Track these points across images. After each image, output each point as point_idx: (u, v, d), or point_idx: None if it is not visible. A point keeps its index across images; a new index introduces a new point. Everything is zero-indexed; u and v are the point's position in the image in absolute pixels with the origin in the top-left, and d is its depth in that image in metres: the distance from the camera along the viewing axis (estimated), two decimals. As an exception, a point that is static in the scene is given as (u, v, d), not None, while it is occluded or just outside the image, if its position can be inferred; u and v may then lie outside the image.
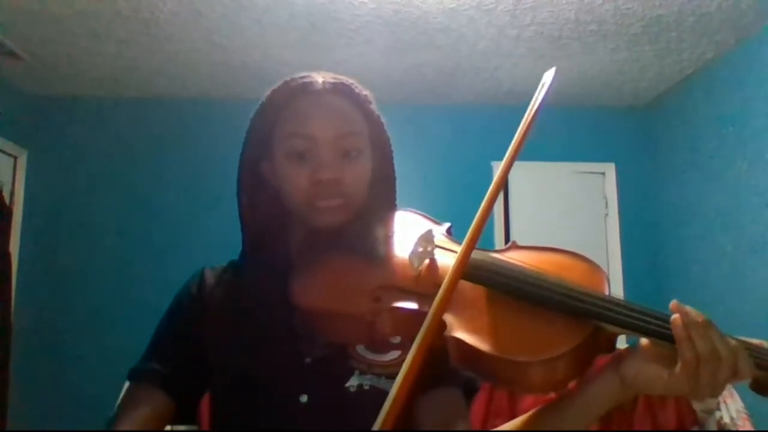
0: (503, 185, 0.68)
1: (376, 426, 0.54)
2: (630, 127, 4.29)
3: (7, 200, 3.71)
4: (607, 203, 4.22)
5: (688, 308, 0.62)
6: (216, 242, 3.49)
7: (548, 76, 0.74)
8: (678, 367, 0.61)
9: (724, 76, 3.42)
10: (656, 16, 2.98)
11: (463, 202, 3.69)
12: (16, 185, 3.89)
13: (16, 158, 3.90)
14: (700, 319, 0.61)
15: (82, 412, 3.40)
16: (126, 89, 3.98)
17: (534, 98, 0.72)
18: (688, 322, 0.61)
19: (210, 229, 3.82)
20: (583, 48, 3.36)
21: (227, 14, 2.99)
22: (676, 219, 3.90)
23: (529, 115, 0.70)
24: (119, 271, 3.90)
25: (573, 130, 4.12)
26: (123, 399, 0.83)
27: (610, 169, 4.25)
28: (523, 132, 0.69)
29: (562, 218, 4.09)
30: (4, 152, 3.79)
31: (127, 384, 0.85)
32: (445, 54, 3.46)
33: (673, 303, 0.62)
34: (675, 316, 0.61)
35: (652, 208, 4.14)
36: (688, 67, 3.62)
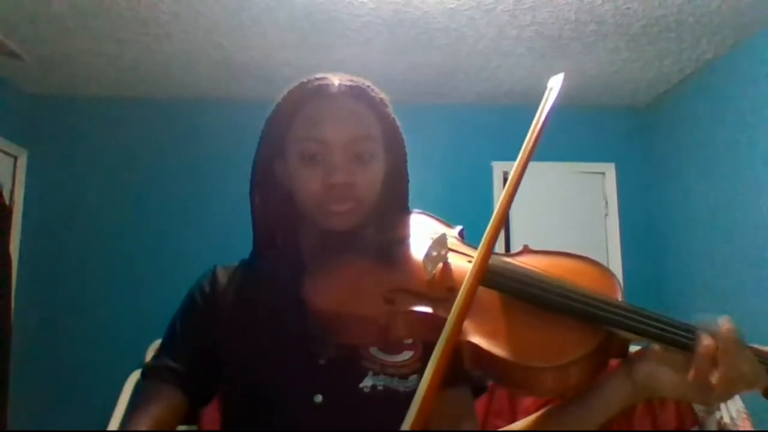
0: (516, 189, 0.68)
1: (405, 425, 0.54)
2: (630, 127, 4.29)
3: (7, 200, 3.71)
4: (607, 203, 4.22)
5: (733, 327, 0.61)
6: (217, 242, 3.50)
7: (555, 81, 0.73)
8: (691, 376, 0.61)
9: (724, 76, 3.42)
10: (656, 16, 2.98)
11: (463, 202, 3.70)
12: (16, 185, 3.89)
13: (16, 158, 3.90)
14: (733, 347, 0.60)
15: (82, 412, 3.41)
16: (126, 89, 3.98)
17: (542, 104, 0.72)
18: (723, 348, 0.60)
19: (210, 229, 3.82)
20: (583, 48, 3.36)
21: (227, 14, 2.99)
22: (676, 219, 3.90)
23: (537, 122, 0.70)
24: (119, 271, 3.90)
25: (573, 130, 4.11)
26: (138, 395, 0.82)
27: (610, 169, 4.25)
28: (533, 139, 0.69)
29: (562, 218, 4.09)
30: (4, 152, 3.79)
31: (130, 380, 0.85)
32: (445, 54, 3.46)
33: (724, 320, 0.61)
34: (707, 344, 0.60)
35: (652, 208, 4.14)
36: (688, 67, 3.62)
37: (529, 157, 0.69)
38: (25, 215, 3.91)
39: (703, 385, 0.60)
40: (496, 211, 0.67)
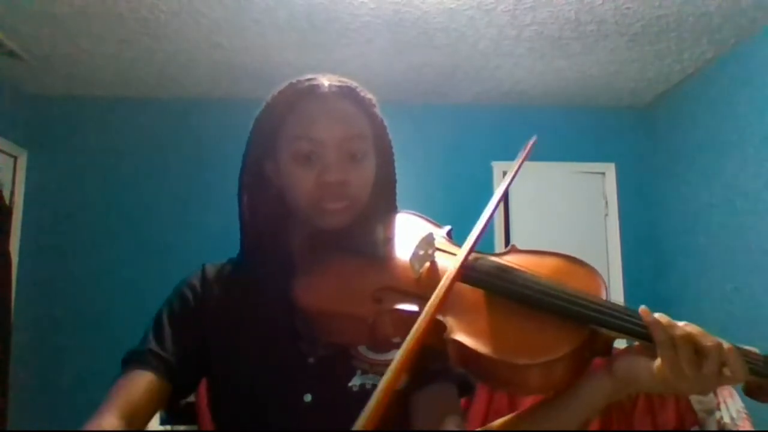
0: (504, 198, 0.70)
1: (361, 419, 0.54)
2: (630, 127, 4.29)
3: (7, 200, 3.71)
4: (607, 203, 4.22)
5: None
6: (216, 242, 3.49)
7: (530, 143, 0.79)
8: (658, 359, 0.62)
9: (724, 76, 3.42)
10: (656, 16, 2.98)
11: (463, 202, 3.71)
12: (16, 185, 3.89)
13: (16, 158, 3.90)
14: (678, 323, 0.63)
15: (83, 411, 3.40)
16: (126, 89, 3.98)
17: (518, 158, 0.76)
18: (655, 318, 0.63)
19: (210, 229, 3.82)
20: (583, 48, 3.36)
21: (227, 14, 2.99)
22: (676, 219, 3.90)
23: (512, 173, 0.75)
24: (119, 271, 3.90)
25: (573, 130, 4.12)
26: (119, 379, 0.80)
27: (610, 169, 4.25)
28: (510, 179, 0.74)
29: (562, 218, 4.09)
30: (4, 152, 3.79)
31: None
32: (445, 54, 3.46)
33: (642, 308, 0.64)
34: (642, 307, 0.63)
35: (652, 208, 4.14)
36: (688, 67, 3.62)
37: (495, 210, 0.72)
38: (25, 215, 3.90)
39: (672, 365, 0.61)
40: (482, 216, 0.69)
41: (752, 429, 1.88)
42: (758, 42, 3.13)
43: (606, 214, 4.21)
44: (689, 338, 0.61)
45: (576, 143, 4.12)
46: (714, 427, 1.89)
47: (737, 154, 3.28)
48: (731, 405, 1.90)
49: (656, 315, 0.63)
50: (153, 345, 0.82)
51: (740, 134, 3.26)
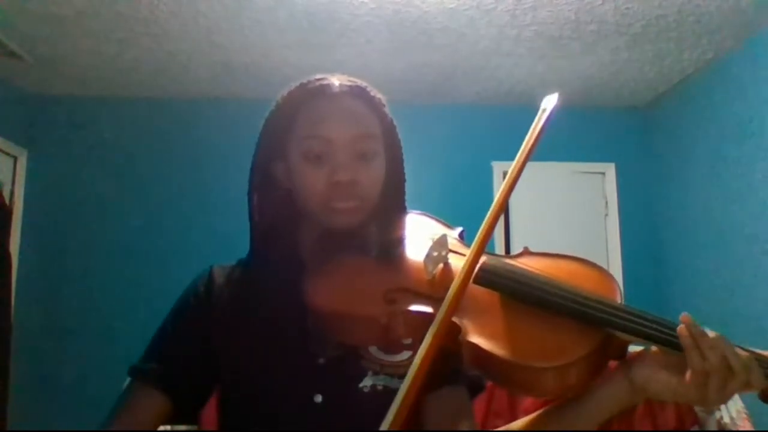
0: (510, 193, 0.69)
1: (384, 425, 0.54)
2: (630, 127, 4.29)
3: (7, 200, 3.71)
4: (607, 203, 4.22)
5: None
6: (217, 242, 3.50)
7: (549, 102, 0.75)
8: (687, 376, 0.61)
9: (724, 76, 3.42)
10: (656, 16, 2.98)
11: (463, 202, 3.70)
12: (16, 185, 3.89)
13: (16, 158, 3.90)
14: (710, 333, 0.62)
15: (82, 411, 3.40)
16: (126, 89, 3.98)
17: (534, 124, 0.73)
18: (696, 333, 0.61)
19: (211, 229, 3.82)
20: (583, 48, 3.36)
21: (227, 14, 2.99)
22: (675, 219, 3.90)
23: (530, 139, 0.72)
24: (119, 271, 3.90)
25: (573, 130, 4.11)
26: (121, 397, 0.82)
27: (610, 169, 4.25)
28: (524, 156, 0.71)
29: (562, 218, 4.09)
30: (4, 152, 3.79)
31: (127, 381, 0.84)
32: (445, 54, 3.46)
33: (684, 315, 0.63)
34: (681, 327, 0.62)
35: (652, 208, 4.14)
36: (688, 67, 3.62)
37: (520, 173, 0.70)
38: (25, 215, 3.90)
39: (700, 384, 0.61)
40: (489, 212, 0.68)
41: (752, 429, 1.88)
42: (758, 42, 3.13)
43: (606, 214, 4.21)
44: (724, 366, 0.60)
45: (576, 143, 4.12)
46: (714, 427, 1.89)
47: (737, 153, 3.28)
48: (731, 405, 1.90)
49: (688, 328, 0.62)
50: (155, 361, 0.83)
51: (740, 134, 3.26)
